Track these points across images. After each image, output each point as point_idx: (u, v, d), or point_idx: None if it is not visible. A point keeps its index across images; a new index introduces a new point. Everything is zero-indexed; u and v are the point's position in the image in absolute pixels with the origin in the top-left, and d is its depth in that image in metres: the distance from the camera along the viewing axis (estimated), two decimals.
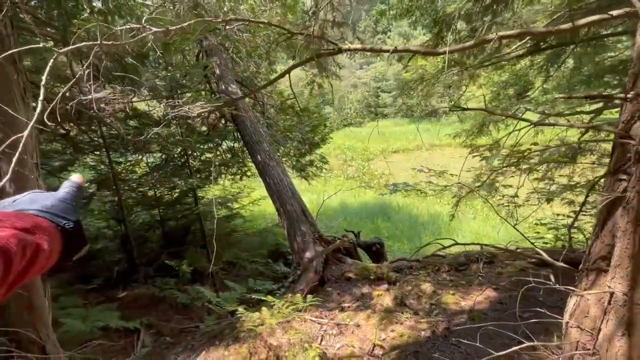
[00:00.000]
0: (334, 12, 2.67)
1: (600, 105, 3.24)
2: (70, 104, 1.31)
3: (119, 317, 3.72)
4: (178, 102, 1.82)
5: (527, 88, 5.73)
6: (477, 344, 1.61)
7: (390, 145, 20.83)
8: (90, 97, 1.25)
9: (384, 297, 3.46)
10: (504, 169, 4.13)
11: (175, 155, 5.70)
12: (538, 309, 1.61)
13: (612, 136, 2.17)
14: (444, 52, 1.01)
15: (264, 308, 3.30)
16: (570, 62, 4.76)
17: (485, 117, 4.95)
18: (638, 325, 1.03)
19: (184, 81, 5.12)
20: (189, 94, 5.17)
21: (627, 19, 1.04)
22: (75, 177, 0.64)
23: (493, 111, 3.14)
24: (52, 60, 0.97)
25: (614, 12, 0.87)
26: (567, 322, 1.38)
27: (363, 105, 29.69)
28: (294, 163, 7.49)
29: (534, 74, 5.31)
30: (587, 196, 2.78)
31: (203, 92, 6.14)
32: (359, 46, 1.14)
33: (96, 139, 4.73)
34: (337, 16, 2.72)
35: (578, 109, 3.94)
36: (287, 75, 1.65)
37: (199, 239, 6.01)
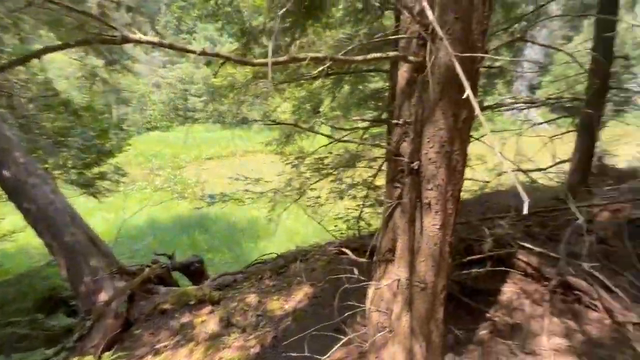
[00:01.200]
0: None
1: (367, 124, 4.27)
2: None
3: None
4: None
5: (320, 105, 6.81)
6: (304, 351, 1.67)
7: (204, 151, 19.88)
8: None
9: (208, 322, 3.14)
10: (311, 174, 4.73)
11: None
12: (348, 301, 1.85)
13: (369, 143, 2.85)
14: (266, 63, 0.94)
15: None
16: (347, 88, 6.03)
17: (292, 127, 5.50)
18: (415, 303, 1.32)
19: None
20: None
21: (397, 60, 1.35)
22: None
23: (301, 127, 3.50)
24: None
25: (390, 53, 1.08)
26: (369, 308, 1.63)
27: (170, 108, 26.84)
28: (75, 177, 5.73)
29: (324, 94, 6.36)
30: (366, 195, 3.52)
31: None
32: (154, 39, 0.88)
33: None
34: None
35: (354, 126, 5.05)
36: (48, 64, 1.13)
37: None
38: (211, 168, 17.53)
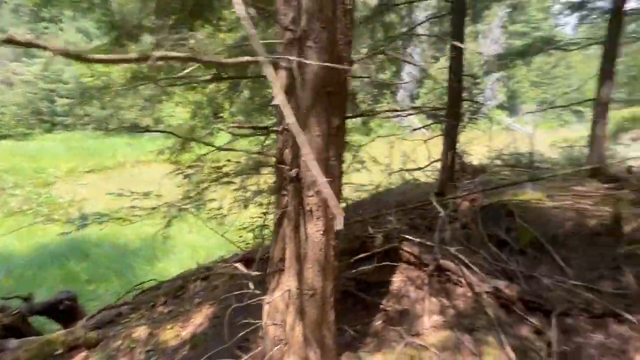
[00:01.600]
0: None
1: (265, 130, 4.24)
2: None
3: None
4: None
5: (220, 110, 6.47)
6: None
7: (82, 163, 16.76)
8: None
9: None
10: (209, 183, 4.41)
11: None
12: (248, 317, 1.74)
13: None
14: (89, 60, 0.77)
15: None
16: (247, 93, 5.87)
17: (187, 134, 5.06)
18: (307, 310, 1.31)
19: None
20: None
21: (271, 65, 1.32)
22: None
23: (176, 134, 3.24)
24: None
25: (260, 58, 1.04)
26: (266, 323, 1.56)
27: (29, 112, 21.72)
28: None
29: (221, 99, 6.06)
30: (269, 202, 3.46)
31: None
32: None
33: None
34: None
35: (256, 132, 4.94)
36: None
37: None
38: (92, 182, 14.90)
